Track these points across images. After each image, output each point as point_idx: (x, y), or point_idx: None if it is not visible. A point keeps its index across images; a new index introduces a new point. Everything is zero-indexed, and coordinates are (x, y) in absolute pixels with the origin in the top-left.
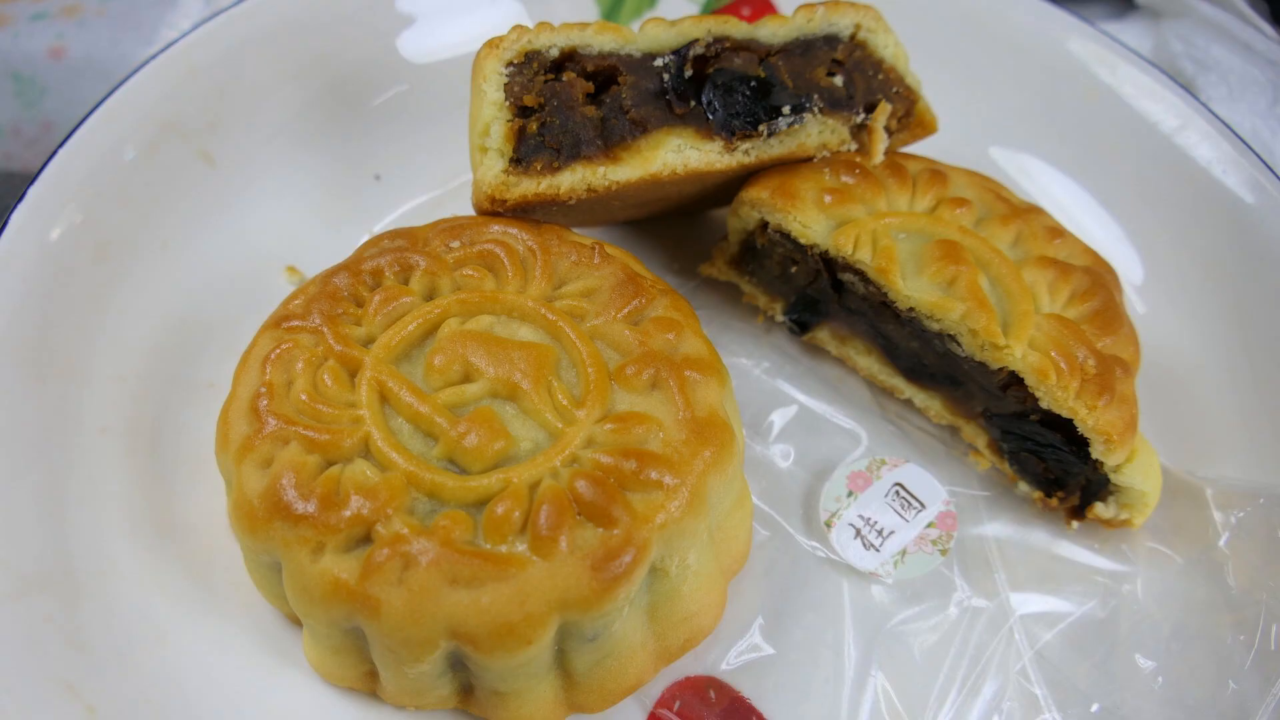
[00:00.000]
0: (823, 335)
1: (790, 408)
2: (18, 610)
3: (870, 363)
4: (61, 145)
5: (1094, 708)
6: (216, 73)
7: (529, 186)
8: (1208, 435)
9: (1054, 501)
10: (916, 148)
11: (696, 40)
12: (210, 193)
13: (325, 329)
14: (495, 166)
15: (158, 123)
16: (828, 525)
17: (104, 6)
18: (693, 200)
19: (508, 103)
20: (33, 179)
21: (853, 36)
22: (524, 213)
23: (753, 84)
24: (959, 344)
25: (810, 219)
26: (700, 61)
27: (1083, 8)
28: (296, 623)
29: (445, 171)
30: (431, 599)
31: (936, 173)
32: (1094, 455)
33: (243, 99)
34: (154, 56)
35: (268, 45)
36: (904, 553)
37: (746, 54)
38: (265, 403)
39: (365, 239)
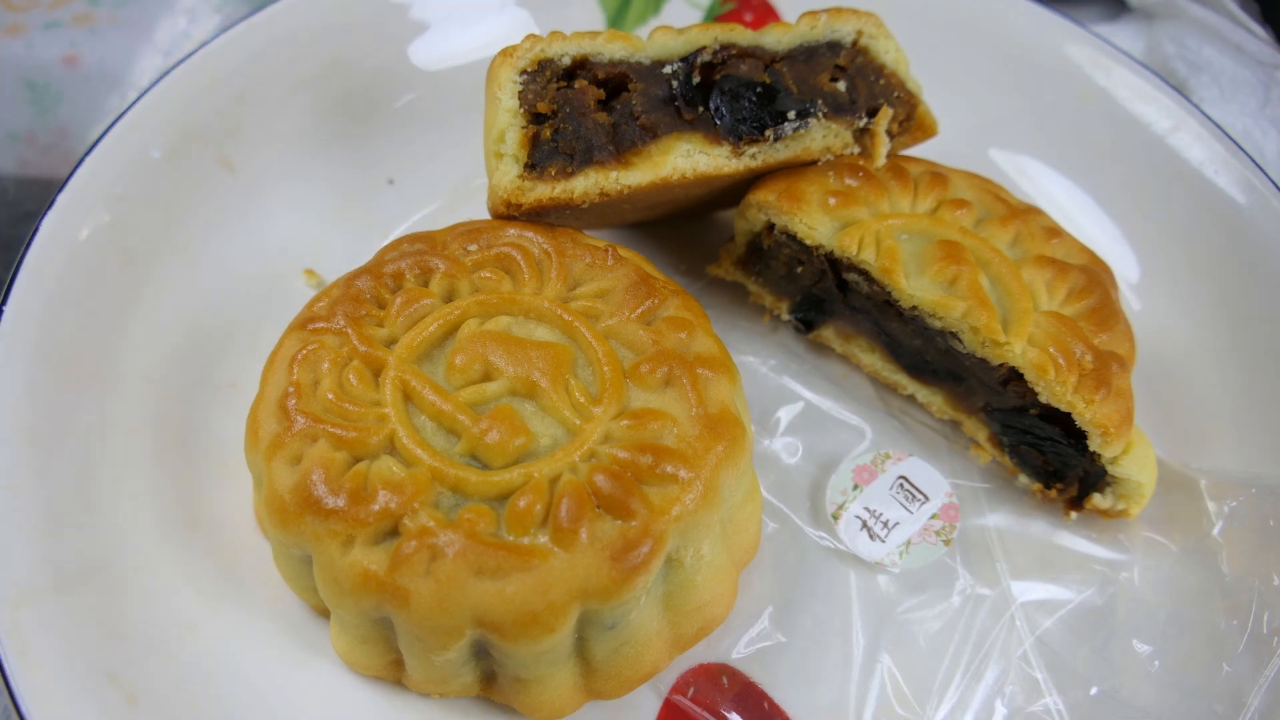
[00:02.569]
0: (828, 333)
1: (797, 404)
2: (62, 603)
3: (874, 360)
4: (88, 154)
5: (1093, 691)
6: (236, 80)
7: (543, 191)
8: (1202, 428)
9: (1053, 493)
10: (917, 150)
11: (704, 48)
12: (231, 198)
13: (349, 330)
14: (510, 172)
15: (180, 130)
16: (834, 517)
17: (116, 14)
18: (700, 203)
19: (522, 110)
20: (61, 187)
21: (855, 43)
22: (538, 216)
23: (758, 90)
24: (960, 341)
25: (815, 221)
26: (708, 68)
27: (1076, 10)
28: (323, 614)
29: (458, 176)
30: (458, 589)
31: (937, 175)
32: (1092, 448)
33: (261, 106)
34: (176, 65)
35: (284, 53)
36: (909, 543)
37: (752, 61)
38: (293, 402)
39: (380, 242)
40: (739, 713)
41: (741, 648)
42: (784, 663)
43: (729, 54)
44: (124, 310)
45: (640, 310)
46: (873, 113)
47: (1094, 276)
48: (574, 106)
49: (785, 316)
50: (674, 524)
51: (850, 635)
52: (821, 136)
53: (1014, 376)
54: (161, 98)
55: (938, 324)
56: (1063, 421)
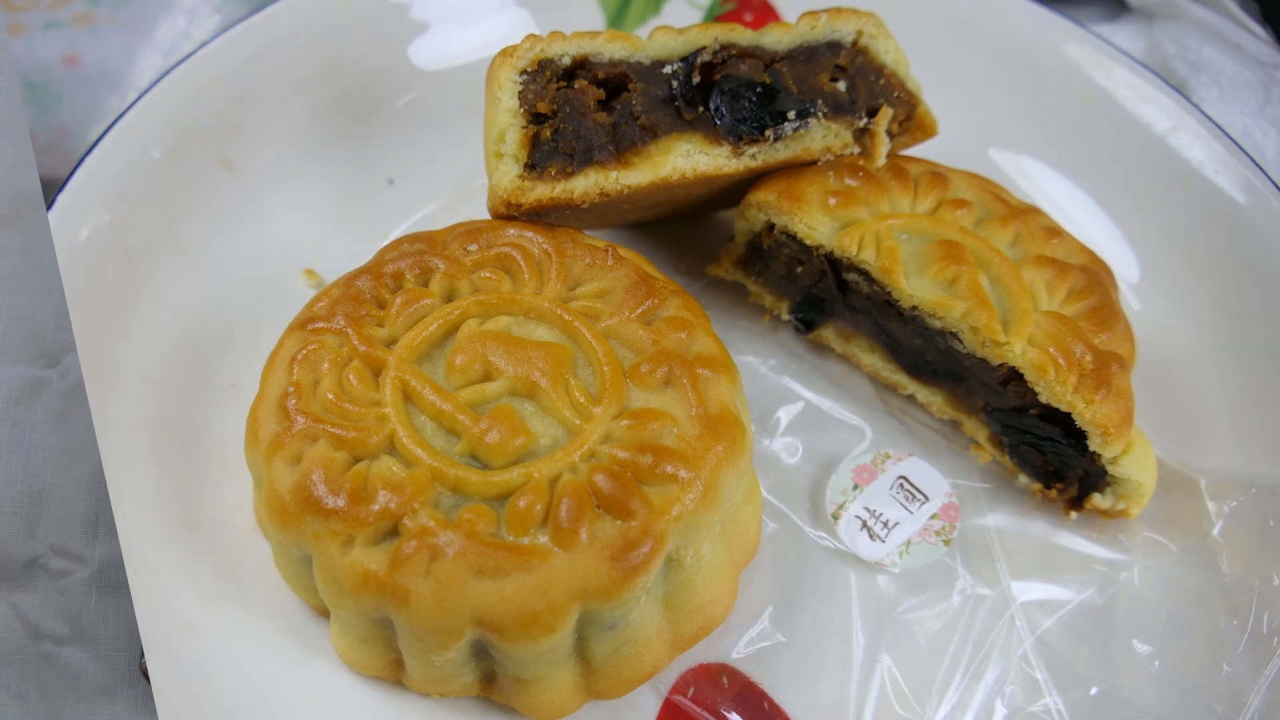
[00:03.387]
0: (828, 333)
1: (796, 404)
2: None
3: (874, 360)
4: (88, 154)
5: (1093, 691)
6: (236, 80)
7: (544, 191)
8: (1201, 428)
9: (1053, 493)
10: (917, 150)
11: (704, 48)
12: (231, 198)
13: (349, 330)
14: (510, 172)
15: (180, 130)
16: (834, 517)
17: (116, 14)
18: (700, 203)
19: (522, 110)
20: (61, 187)
21: (855, 43)
22: (538, 216)
23: (759, 90)
24: (960, 341)
25: (815, 221)
26: (708, 68)
27: (1076, 10)
28: (323, 614)
29: (458, 176)
30: (458, 589)
31: (937, 175)
32: (1092, 448)
33: (261, 106)
34: (176, 65)
35: (284, 53)
36: (909, 543)
37: (752, 61)
38: (293, 402)
39: (380, 242)
40: (739, 713)
41: (741, 648)
42: (784, 663)
43: (729, 54)
44: (124, 310)
45: (640, 310)
46: (873, 113)
47: (1094, 276)
48: (574, 106)
49: (785, 316)
50: (674, 524)
51: (850, 635)
52: (821, 136)
53: (1014, 376)
54: (161, 98)
55: (938, 324)
56: (1063, 421)
